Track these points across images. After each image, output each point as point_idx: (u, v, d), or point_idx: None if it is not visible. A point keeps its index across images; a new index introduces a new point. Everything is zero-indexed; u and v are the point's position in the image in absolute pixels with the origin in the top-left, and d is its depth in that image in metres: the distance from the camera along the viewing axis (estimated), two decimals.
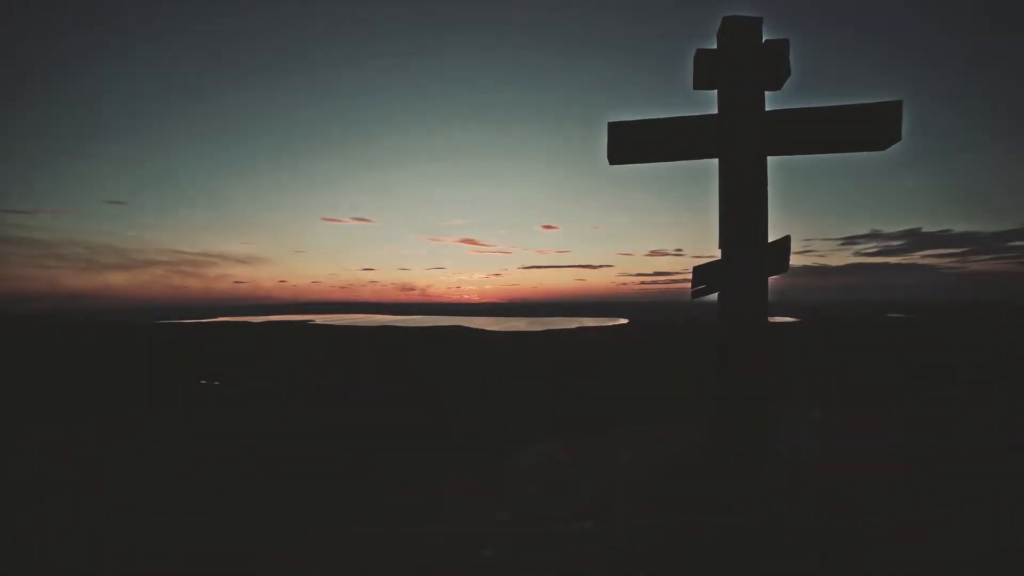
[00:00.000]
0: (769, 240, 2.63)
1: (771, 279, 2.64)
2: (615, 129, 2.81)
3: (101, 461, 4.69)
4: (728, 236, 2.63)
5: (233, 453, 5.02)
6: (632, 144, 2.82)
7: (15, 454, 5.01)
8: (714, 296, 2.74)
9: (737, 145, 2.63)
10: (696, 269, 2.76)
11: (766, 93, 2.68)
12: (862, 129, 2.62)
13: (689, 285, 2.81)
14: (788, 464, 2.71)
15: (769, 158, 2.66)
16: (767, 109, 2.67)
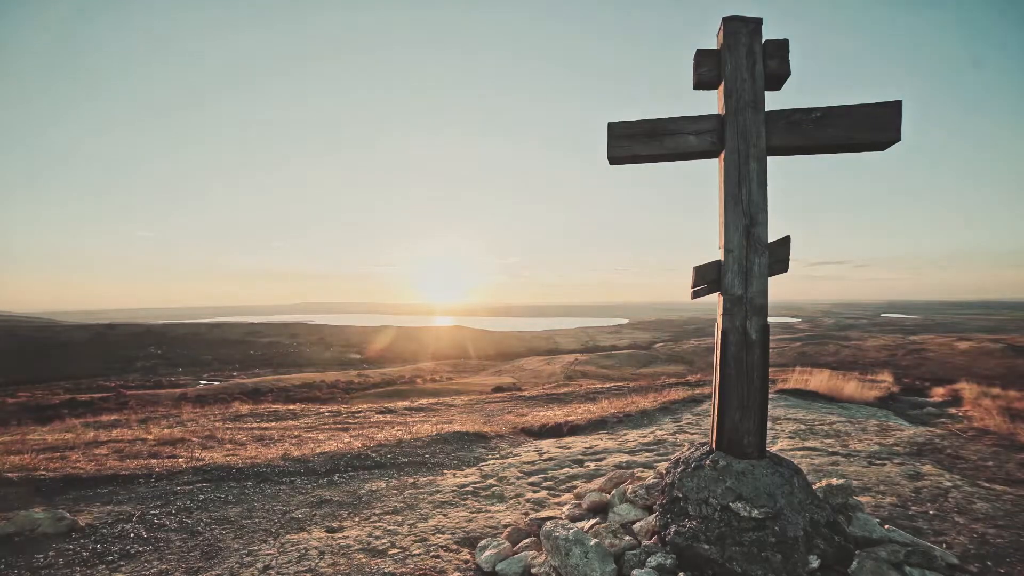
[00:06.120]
0: (769, 240, 2.63)
1: (771, 279, 2.65)
2: (615, 129, 2.82)
3: None
4: (728, 236, 2.64)
5: None
6: (632, 144, 2.83)
7: None
8: (714, 296, 2.75)
9: (737, 145, 2.64)
10: (696, 269, 2.76)
11: (766, 93, 2.69)
12: (862, 129, 2.62)
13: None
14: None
15: (769, 158, 2.67)
16: (767, 109, 2.68)
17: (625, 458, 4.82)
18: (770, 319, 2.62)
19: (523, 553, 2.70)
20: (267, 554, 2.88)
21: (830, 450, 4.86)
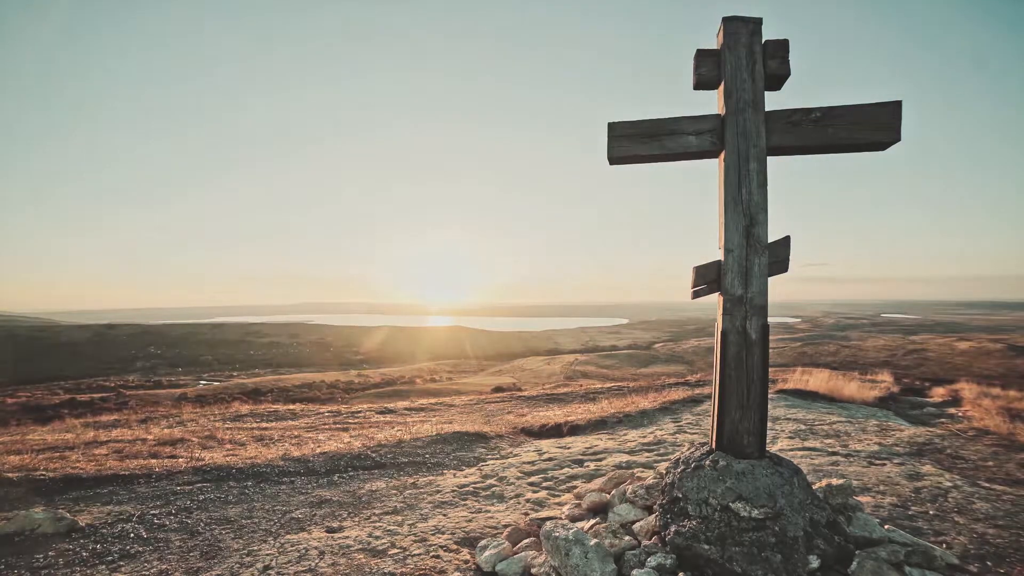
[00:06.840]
0: (769, 240, 2.63)
1: (771, 279, 2.65)
2: (615, 129, 2.83)
3: None
4: (728, 236, 2.64)
5: None
6: (632, 144, 2.83)
7: None
8: (713, 296, 2.75)
9: (737, 145, 2.64)
10: (696, 269, 2.77)
11: (766, 93, 2.69)
12: (862, 130, 2.62)
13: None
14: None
15: (769, 158, 2.67)
16: (767, 109, 2.68)
17: (625, 458, 4.82)
18: (770, 319, 2.62)
19: (523, 553, 2.70)
20: (267, 554, 2.88)
21: (830, 450, 4.87)
